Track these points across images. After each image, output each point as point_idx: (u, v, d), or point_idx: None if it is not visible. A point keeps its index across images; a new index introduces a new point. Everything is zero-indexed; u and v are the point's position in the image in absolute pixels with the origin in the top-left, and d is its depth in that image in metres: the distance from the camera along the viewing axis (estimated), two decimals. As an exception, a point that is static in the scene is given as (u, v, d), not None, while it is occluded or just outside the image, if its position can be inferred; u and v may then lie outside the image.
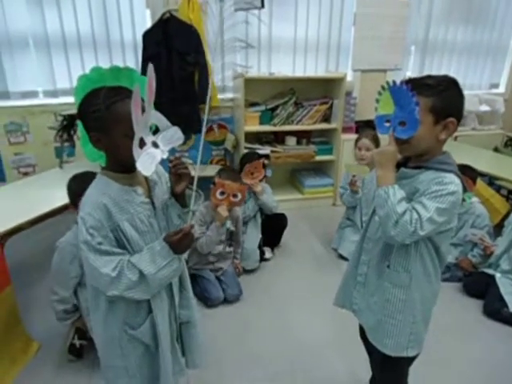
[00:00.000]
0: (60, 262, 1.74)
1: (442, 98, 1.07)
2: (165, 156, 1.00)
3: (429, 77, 1.12)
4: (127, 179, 1.09)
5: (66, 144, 2.69)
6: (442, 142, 1.13)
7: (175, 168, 1.11)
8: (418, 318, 1.21)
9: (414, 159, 1.17)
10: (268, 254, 2.82)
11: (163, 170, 1.22)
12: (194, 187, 1.15)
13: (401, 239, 1.07)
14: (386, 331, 1.23)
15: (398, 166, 1.17)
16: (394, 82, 1.07)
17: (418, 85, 1.06)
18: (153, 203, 1.14)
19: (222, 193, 2.25)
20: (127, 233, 1.06)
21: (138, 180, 1.12)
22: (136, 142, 0.93)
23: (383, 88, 1.11)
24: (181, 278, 1.25)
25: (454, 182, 1.06)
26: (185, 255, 1.19)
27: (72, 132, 1.08)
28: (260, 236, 2.76)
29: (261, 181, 2.73)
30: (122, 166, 1.08)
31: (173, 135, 1.02)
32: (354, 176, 2.67)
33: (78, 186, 1.64)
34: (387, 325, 1.22)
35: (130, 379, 1.18)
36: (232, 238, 2.51)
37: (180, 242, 1.06)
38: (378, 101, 1.14)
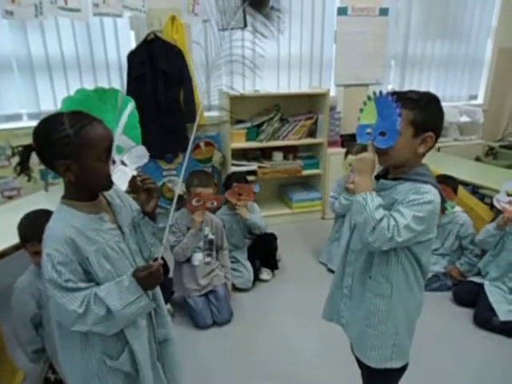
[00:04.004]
0: (19, 305, 1.68)
1: (423, 112, 1.10)
2: (135, 173, 1.02)
3: (412, 91, 1.16)
4: (91, 207, 1.06)
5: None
6: (420, 156, 1.16)
7: (143, 183, 1.10)
8: (401, 330, 1.21)
9: (392, 171, 1.20)
10: (267, 275, 2.76)
11: (125, 193, 1.20)
12: (174, 204, 1.13)
13: (378, 245, 1.08)
14: (369, 343, 1.22)
15: (378, 177, 1.20)
16: (381, 93, 1.11)
17: (402, 98, 1.10)
18: (120, 228, 1.12)
19: (198, 200, 2.25)
20: (96, 264, 1.03)
21: (101, 207, 1.10)
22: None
23: (369, 98, 1.14)
24: (154, 296, 1.22)
25: (430, 192, 1.09)
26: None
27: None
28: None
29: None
30: (88, 193, 1.06)
31: (139, 154, 1.03)
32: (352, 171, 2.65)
33: (31, 225, 1.60)
34: (370, 336, 1.21)
35: None
36: (212, 248, 2.39)
37: (147, 279, 1.04)
38: (361, 110, 1.17)
